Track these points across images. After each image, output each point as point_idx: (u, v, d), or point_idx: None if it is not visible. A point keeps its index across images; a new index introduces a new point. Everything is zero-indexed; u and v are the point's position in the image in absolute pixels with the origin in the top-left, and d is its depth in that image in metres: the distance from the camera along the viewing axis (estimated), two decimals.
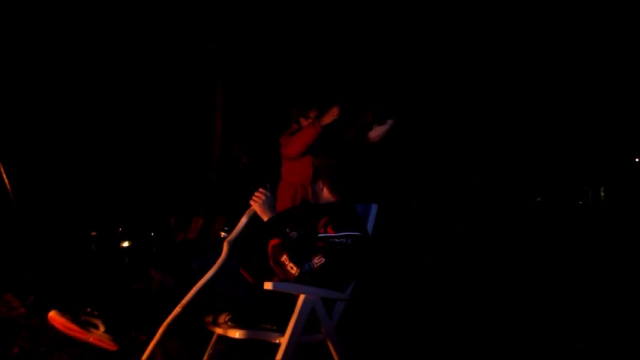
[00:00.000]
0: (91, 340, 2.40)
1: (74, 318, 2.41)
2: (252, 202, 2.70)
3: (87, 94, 7.16)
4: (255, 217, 2.71)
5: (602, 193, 10.03)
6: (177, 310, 2.42)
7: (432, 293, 4.87)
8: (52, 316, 2.42)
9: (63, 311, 2.43)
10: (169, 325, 2.43)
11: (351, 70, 7.62)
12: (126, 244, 6.69)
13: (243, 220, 2.68)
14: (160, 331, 2.43)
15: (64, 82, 6.96)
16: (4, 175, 5.22)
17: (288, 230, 2.65)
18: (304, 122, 4.22)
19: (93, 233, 6.89)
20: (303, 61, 7.52)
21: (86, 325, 2.40)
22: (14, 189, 5.30)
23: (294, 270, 2.43)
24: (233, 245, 2.56)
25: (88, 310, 2.48)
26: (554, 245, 7.26)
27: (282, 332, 2.38)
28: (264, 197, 2.69)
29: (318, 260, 2.46)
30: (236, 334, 2.41)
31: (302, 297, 2.39)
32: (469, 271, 5.48)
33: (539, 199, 10.25)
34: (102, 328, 2.40)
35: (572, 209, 9.75)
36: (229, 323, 2.48)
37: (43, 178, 6.67)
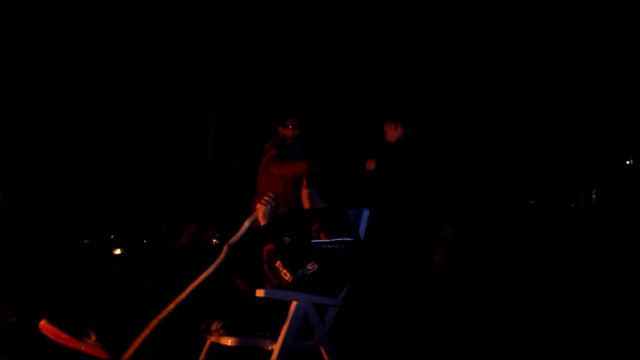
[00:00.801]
0: (82, 348, 2.38)
1: (66, 327, 2.40)
2: (259, 205, 2.74)
3: (78, 102, 7.15)
4: (256, 222, 2.73)
5: (594, 196, 10.06)
6: (172, 307, 2.39)
7: (427, 297, 4.87)
8: (44, 325, 2.40)
9: (54, 320, 2.41)
10: (161, 321, 2.39)
11: (341, 76, 7.64)
12: (118, 251, 6.68)
13: (246, 224, 2.69)
14: (151, 326, 2.38)
15: (56, 91, 6.95)
16: None
17: (282, 235, 2.67)
18: (282, 130, 4.39)
19: (85, 241, 6.87)
20: (295, 66, 7.53)
21: (78, 334, 2.39)
22: (5, 196, 5.27)
23: (287, 276, 2.44)
24: (232, 249, 2.56)
25: (80, 318, 2.46)
26: (549, 246, 7.29)
27: (275, 339, 2.38)
28: (273, 203, 2.74)
29: (311, 267, 2.47)
30: (229, 341, 2.41)
31: (294, 303, 2.39)
32: (467, 273, 5.49)
33: (531, 202, 10.27)
34: (93, 337, 2.38)
35: (565, 211, 9.78)
36: (222, 331, 2.48)
37: (36, 186, 6.64)
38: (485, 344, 3.82)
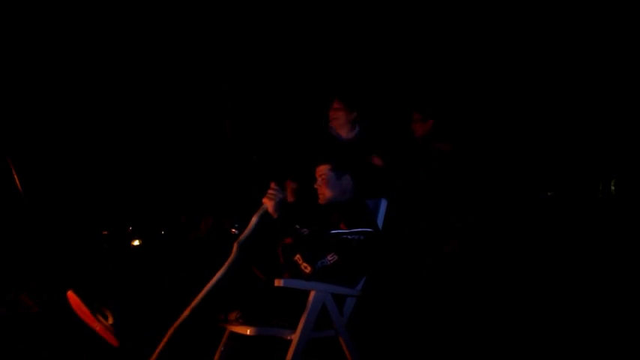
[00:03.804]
0: (97, 328, 2.41)
1: (88, 302, 2.42)
2: (265, 200, 2.66)
3: (98, 92, 7.19)
4: (265, 215, 2.67)
5: (613, 187, 9.92)
6: (186, 313, 2.40)
7: (445, 288, 4.85)
8: (71, 295, 2.44)
9: (80, 293, 2.44)
10: (177, 328, 2.41)
11: (360, 69, 7.60)
12: (137, 242, 6.73)
13: (254, 219, 2.63)
14: (168, 334, 2.41)
15: (75, 81, 6.99)
16: (15, 174, 5.25)
17: (298, 227, 2.65)
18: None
19: (104, 232, 6.93)
20: (313, 59, 7.50)
21: (96, 312, 2.41)
22: (25, 188, 5.32)
23: (308, 269, 2.43)
24: (243, 246, 2.54)
25: (104, 298, 2.49)
26: (565, 240, 7.21)
27: (294, 329, 2.39)
28: (280, 195, 2.66)
29: (331, 258, 2.46)
30: (247, 330, 2.41)
31: (313, 293, 2.39)
32: (482, 265, 5.46)
33: (549, 194, 10.16)
34: (110, 321, 2.40)
35: (584, 203, 9.68)
36: (240, 320, 2.49)
37: (54, 178, 6.70)
38: (498, 336, 3.81)
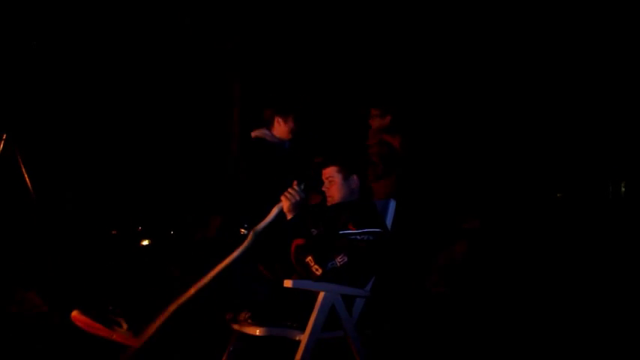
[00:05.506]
0: (114, 337, 2.40)
1: (97, 316, 2.41)
2: (283, 198, 2.65)
3: (107, 93, 7.22)
4: (281, 212, 2.66)
5: (623, 189, 9.84)
6: (192, 292, 2.38)
7: (454, 289, 4.84)
8: (75, 316, 2.41)
9: (86, 310, 2.43)
10: (181, 305, 2.38)
11: (367, 66, 7.59)
12: (146, 242, 6.75)
13: (274, 211, 2.62)
14: (170, 309, 2.38)
15: (87, 82, 7.03)
16: (26, 174, 5.28)
17: (309, 228, 2.65)
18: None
19: (113, 232, 6.97)
20: (320, 57, 7.50)
21: (109, 324, 2.41)
22: (35, 188, 5.35)
23: (318, 271, 2.43)
24: (259, 235, 2.53)
25: (110, 308, 2.48)
26: (574, 240, 7.18)
27: (303, 329, 2.38)
28: (297, 197, 2.65)
29: (341, 259, 2.45)
30: (256, 331, 2.41)
31: (322, 294, 2.38)
32: (491, 267, 5.44)
33: (559, 195, 10.10)
34: (125, 326, 2.40)
35: (593, 204, 9.61)
36: (250, 321, 2.49)
37: (64, 178, 6.74)
38: (508, 337, 3.79)
